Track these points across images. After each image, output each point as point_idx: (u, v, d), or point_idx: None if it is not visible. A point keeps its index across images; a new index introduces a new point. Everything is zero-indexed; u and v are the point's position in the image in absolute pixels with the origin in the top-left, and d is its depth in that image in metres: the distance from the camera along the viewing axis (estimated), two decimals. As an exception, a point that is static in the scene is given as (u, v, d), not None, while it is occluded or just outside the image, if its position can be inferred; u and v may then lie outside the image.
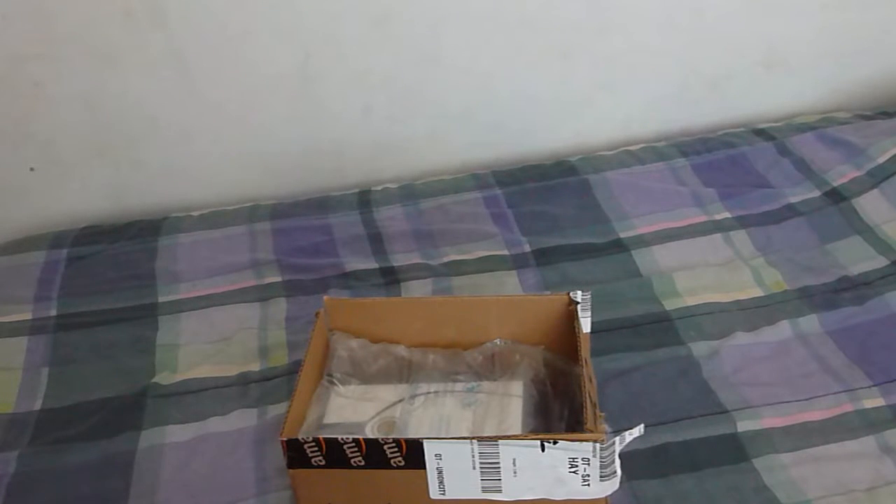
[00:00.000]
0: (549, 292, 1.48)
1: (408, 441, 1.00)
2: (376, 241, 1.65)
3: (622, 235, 1.62)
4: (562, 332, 1.21)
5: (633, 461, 1.16)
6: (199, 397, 1.34)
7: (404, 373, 1.23)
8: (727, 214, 1.65)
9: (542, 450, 0.98)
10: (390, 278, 1.55)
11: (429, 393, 1.19)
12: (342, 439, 1.00)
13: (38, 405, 1.36)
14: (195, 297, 1.55)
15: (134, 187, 1.80)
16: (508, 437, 0.99)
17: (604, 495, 1.01)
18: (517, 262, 1.57)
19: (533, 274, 1.54)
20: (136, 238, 1.69)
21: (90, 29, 1.60)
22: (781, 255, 1.54)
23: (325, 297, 1.25)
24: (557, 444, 0.98)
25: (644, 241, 1.60)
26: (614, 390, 1.29)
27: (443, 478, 1.02)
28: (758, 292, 1.46)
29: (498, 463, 1.00)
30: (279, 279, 1.57)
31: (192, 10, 1.62)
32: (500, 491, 1.02)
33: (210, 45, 1.66)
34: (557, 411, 1.15)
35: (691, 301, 1.45)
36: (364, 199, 1.77)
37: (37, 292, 1.57)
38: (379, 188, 1.80)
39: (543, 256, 1.58)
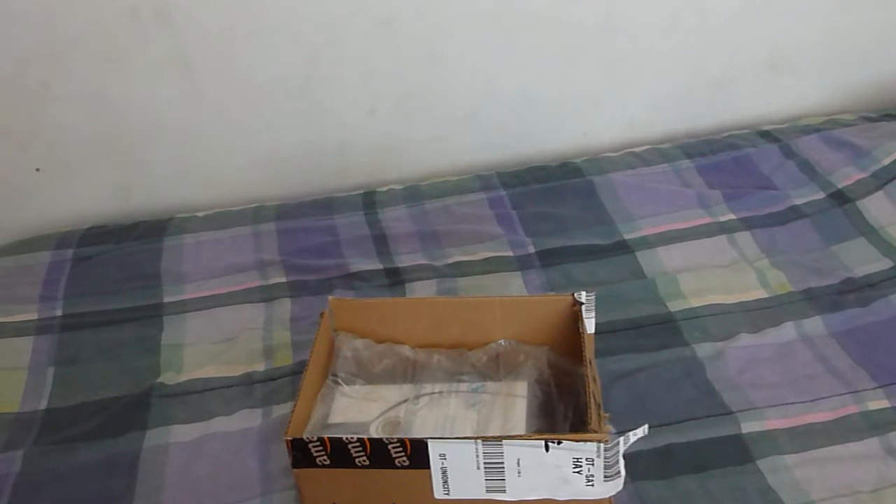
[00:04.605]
0: (553, 293, 1.48)
1: (412, 441, 1.00)
2: (381, 242, 1.65)
3: (627, 237, 1.62)
4: (566, 332, 1.21)
5: (638, 462, 1.16)
6: (203, 397, 1.34)
7: (409, 373, 1.23)
8: (732, 216, 1.65)
9: (547, 450, 0.98)
10: (395, 279, 1.56)
11: (433, 393, 1.19)
12: (347, 439, 1.00)
13: (43, 405, 1.36)
14: (200, 297, 1.55)
15: (139, 188, 1.81)
16: (513, 438, 0.99)
17: (608, 496, 1.01)
18: (522, 263, 1.57)
19: (537, 275, 1.54)
20: (141, 238, 1.69)
21: (96, 30, 1.61)
22: (786, 256, 1.54)
23: (329, 298, 1.25)
24: (562, 445, 0.98)
25: (648, 243, 1.60)
26: (619, 391, 1.29)
27: (447, 478, 1.02)
28: (762, 294, 1.46)
29: (502, 463, 1.00)
30: (284, 280, 1.57)
31: (198, 12, 1.62)
32: (504, 491, 1.02)
33: (215, 47, 1.67)
34: (562, 412, 1.16)
35: (696, 302, 1.45)
36: (369, 200, 1.77)
37: (42, 292, 1.57)
38: (384, 189, 1.81)
39: (548, 257, 1.58)
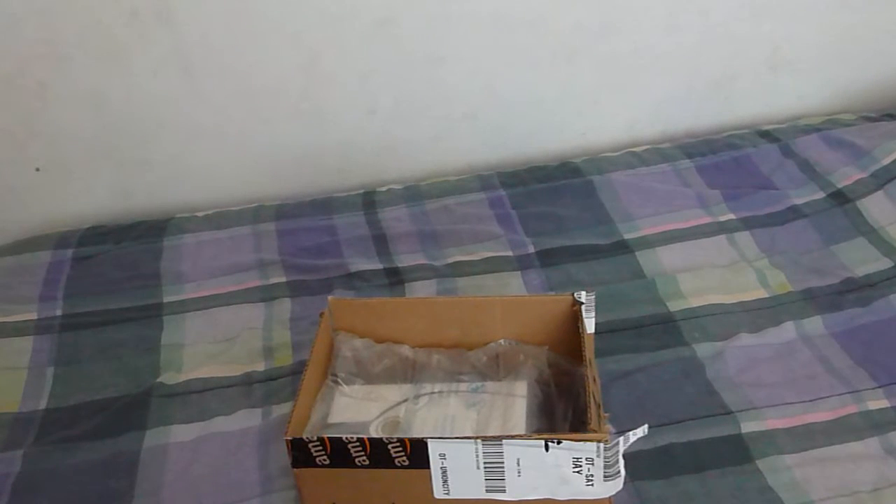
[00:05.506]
0: (553, 293, 1.48)
1: (412, 441, 1.00)
2: (381, 242, 1.65)
3: (626, 236, 1.62)
4: (566, 332, 1.21)
5: (637, 462, 1.16)
6: (203, 397, 1.34)
7: (408, 373, 1.23)
8: (732, 216, 1.65)
9: (546, 450, 0.98)
10: (395, 279, 1.56)
11: (433, 393, 1.19)
12: (346, 439, 1.00)
13: (43, 404, 1.36)
14: (200, 297, 1.55)
15: (139, 187, 1.81)
16: (512, 437, 0.99)
17: (607, 495, 1.01)
18: (521, 263, 1.57)
19: (537, 275, 1.54)
20: (141, 238, 1.69)
21: (96, 29, 1.61)
22: (786, 256, 1.54)
23: (329, 298, 1.26)
24: (561, 444, 0.98)
25: (648, 243, 1.60)
26: (618, 391, 1.29)
27: (447, 477, 1.02)
28: (762, 294, 1.46)
29: (502, 463, 1.00)
30: (284, 279, 1.57)
31: (198, 11, 1.62)
32: (503, 491, 1.02)
33: (215, 46, 1.67)
34: (561, 411, 1.16)
35: (695, 302, 1.45)
36: (369, 200, 1.77)
37: (42, 292, 1.57)
38: (383, 189, 1.81)
39: (548, 257, 1.58)
